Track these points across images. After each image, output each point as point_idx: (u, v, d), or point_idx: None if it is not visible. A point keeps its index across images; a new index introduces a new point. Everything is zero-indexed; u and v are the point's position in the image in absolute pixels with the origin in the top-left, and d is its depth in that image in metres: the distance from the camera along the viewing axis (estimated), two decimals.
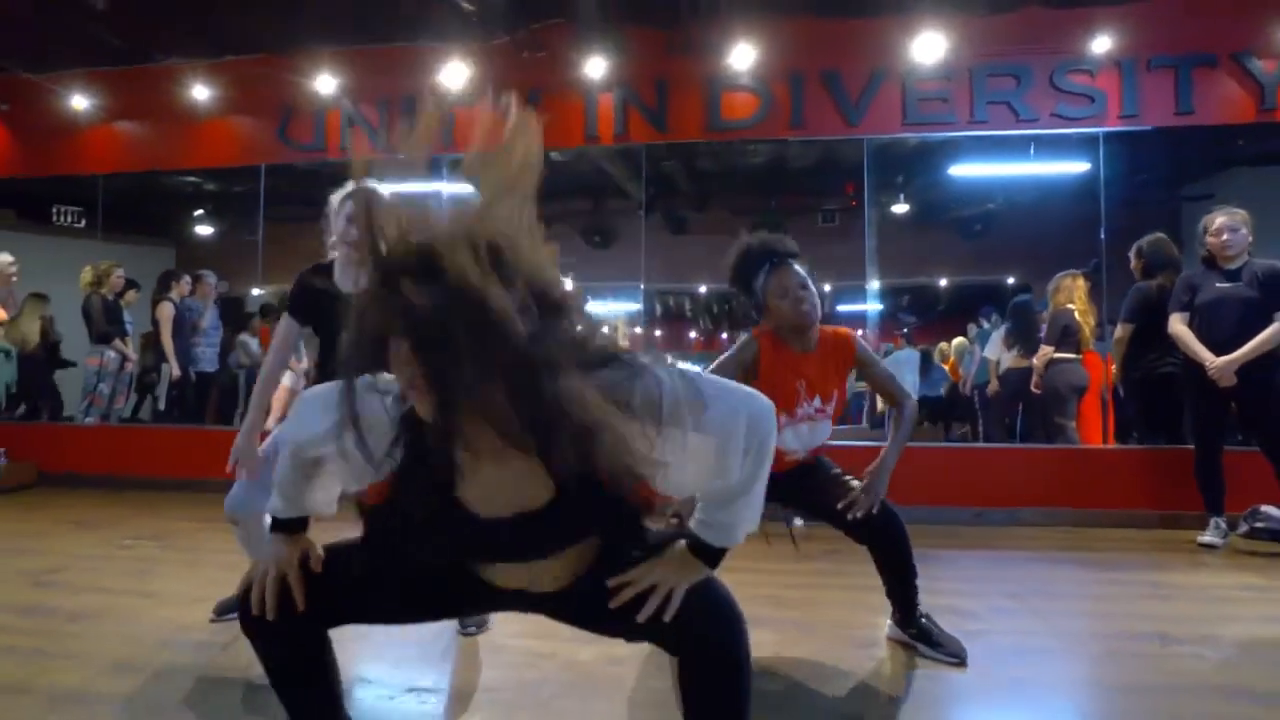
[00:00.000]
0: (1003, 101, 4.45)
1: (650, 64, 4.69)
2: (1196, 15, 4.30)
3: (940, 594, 2.83)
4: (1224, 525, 3.69)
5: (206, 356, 6.66)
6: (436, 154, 4.90)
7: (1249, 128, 4.47)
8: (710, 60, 4.63)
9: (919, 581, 2.20)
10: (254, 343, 7.34)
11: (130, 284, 6.28)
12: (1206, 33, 4.29)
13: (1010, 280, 8.27)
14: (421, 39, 4.94)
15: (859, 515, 2.03)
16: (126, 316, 6.17)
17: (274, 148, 5.21)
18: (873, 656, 2.24)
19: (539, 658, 2.17)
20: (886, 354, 9.89)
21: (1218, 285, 3.63)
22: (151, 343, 6.43)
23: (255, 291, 8.93)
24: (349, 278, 2.17)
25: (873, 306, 5.47)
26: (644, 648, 2.13)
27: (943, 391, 7.79)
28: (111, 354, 5.90)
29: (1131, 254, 4.33)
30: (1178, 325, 3.71)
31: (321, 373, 2.27)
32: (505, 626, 2.41)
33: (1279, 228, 3.88)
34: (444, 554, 1.16)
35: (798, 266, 2.16)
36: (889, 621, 2.31)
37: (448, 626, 2.37)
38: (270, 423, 5.98)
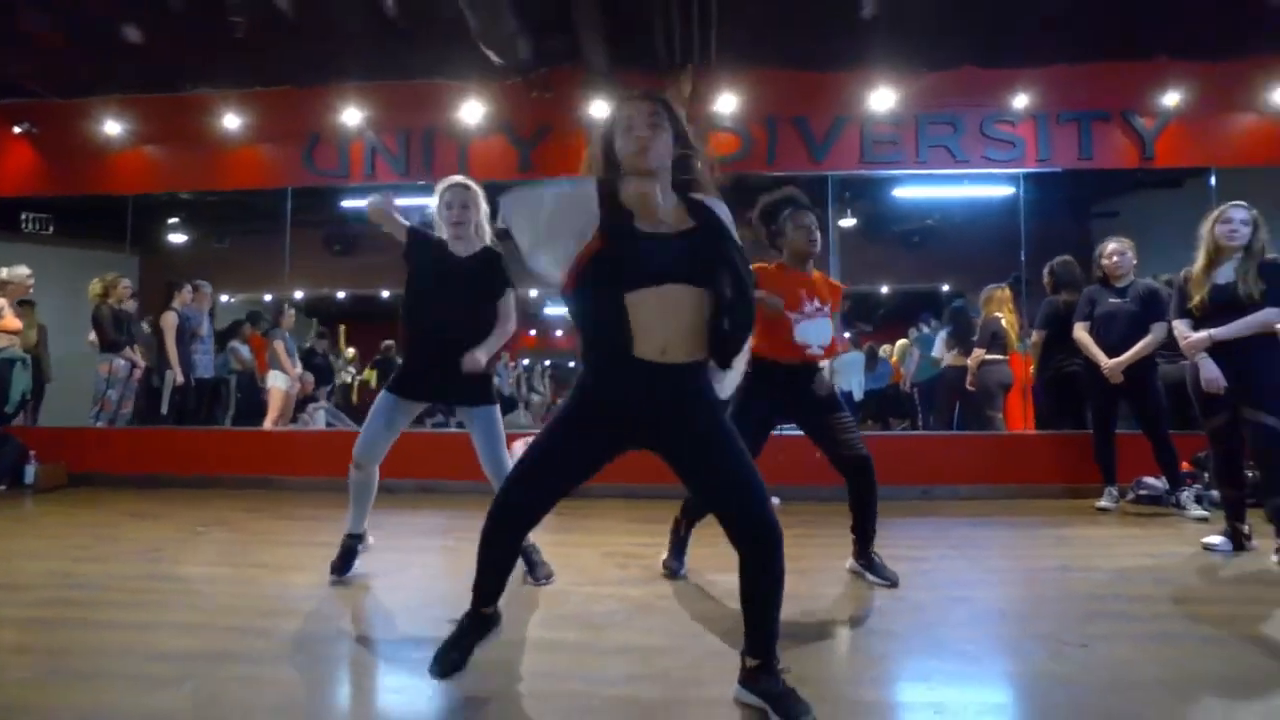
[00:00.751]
0: (942, 145, 5.31)
1: None
2: (1094, 79, 5.26)
3: (899, 549, 3.62)
4: (1116, 493, 4.60)
5: (204, 363, 7.01)
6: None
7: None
8: (697, 105, 5.36)
9: (878, 530, 3.01)
10: (245, 349, 7.64)
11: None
12: (1102, 94, 5.25)
13: (945, 288, 9.14)
14: (439, 76, 5.51)
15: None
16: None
17: (299, 172, 5.69)
18: (845, 583, 2.99)
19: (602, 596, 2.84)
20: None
21: (1110, 300, 4.51)
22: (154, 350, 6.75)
23: (223, 298, 9.25)
24: (453, 244, 2.88)
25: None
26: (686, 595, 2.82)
27: (885, 386, 8.66)
28: (120, 361, 6.18)
29: (1045, 272, 5.22)
30: (1080, 333, 4.60)
31: (408, 315, 2.88)
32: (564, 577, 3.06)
33: (1167, 235, 4.72)
34: (630, 271, 1.71)
35: (811, 214, 2.99)
36: (850, 559, 3.09)
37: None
38: (267, 424, 6.40)
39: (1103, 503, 4.58)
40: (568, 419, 1.85)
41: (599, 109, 5.33)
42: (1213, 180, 5.36)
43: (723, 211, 1.86)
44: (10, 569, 3.20)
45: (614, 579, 3.08)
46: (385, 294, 9.11)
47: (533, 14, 4.37)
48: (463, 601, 2.06)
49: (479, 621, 2.03)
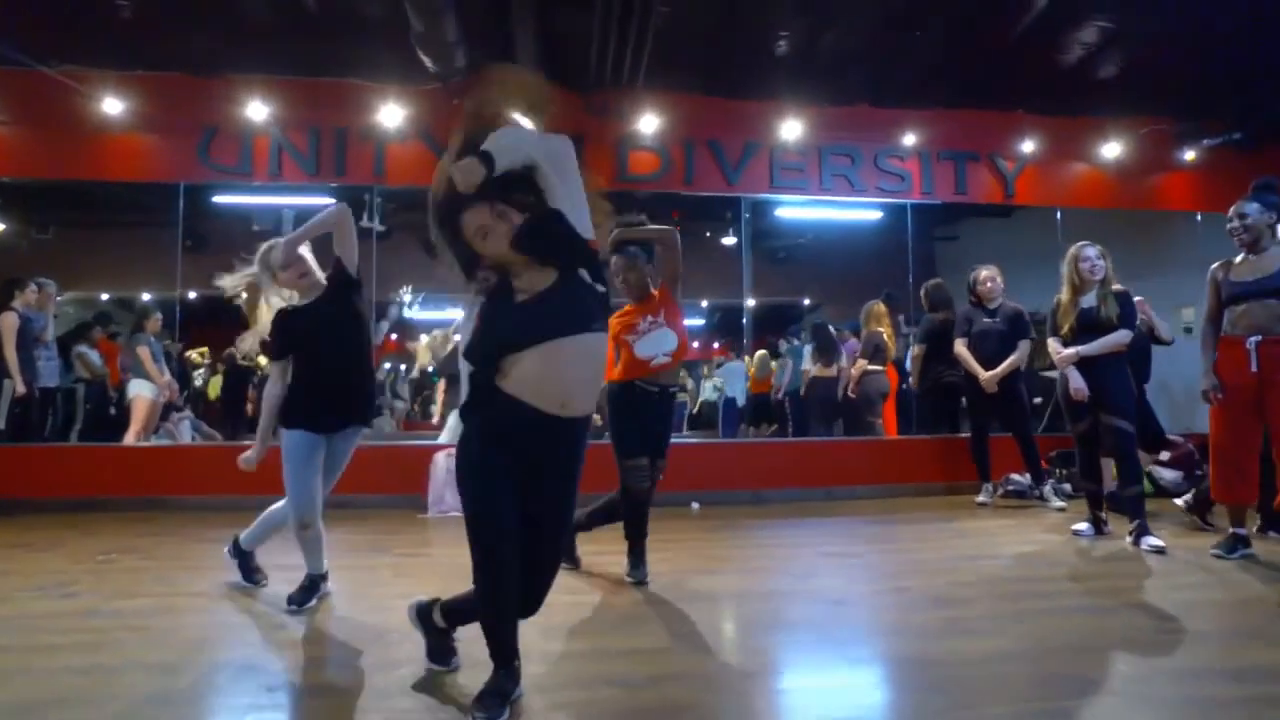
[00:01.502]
0: (842, 175, 5.84)
1: (570, 121, 5.44)
2: (968, 125, 6.00)
3: (829, 545, 3.99)
4: (991, 489, 5.26)
5: (48, 370, 6.27)
6: (368, 184, 5.33)
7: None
8: (620, 124, 5.53)
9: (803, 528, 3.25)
10: (94, 354, 6.93)
11: None
12: (973, 137, 5.99)
13: (806, 301, 9.79)
14: (354, 76, 5.29)
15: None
16: None
17: (194, 167, 5.23)
18: (797, 577, 3.26)
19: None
20: (719, 365, 11.25)
21: (984, 320, 5.16)
22: None
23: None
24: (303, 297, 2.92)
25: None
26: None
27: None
28: None
29: (921, 293, 5.85)
30: (961, 349, 5.21)
31: (312, 374, 2.86)
32: None
33: (993, 253, 5.43)
34: (523, 328, 1.81)
35: (622, 258, 3.17)
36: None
37: None
38: (129, 437, 5.84)
39: (980, 498, 5.22)
40: (489, 466, 1.92)
41: (521, 120, 5.35)
42: (1059, 216, 6.26)
43: None
44: None
45: (588, 588, 3.17)
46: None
47: (473, 23, 4.34)
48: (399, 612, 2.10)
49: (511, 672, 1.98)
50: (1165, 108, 6.08)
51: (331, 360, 2.86)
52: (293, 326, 2.86)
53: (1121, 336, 3.96)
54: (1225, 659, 2.31)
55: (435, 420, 13.06)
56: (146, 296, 7.38)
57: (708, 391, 11.02)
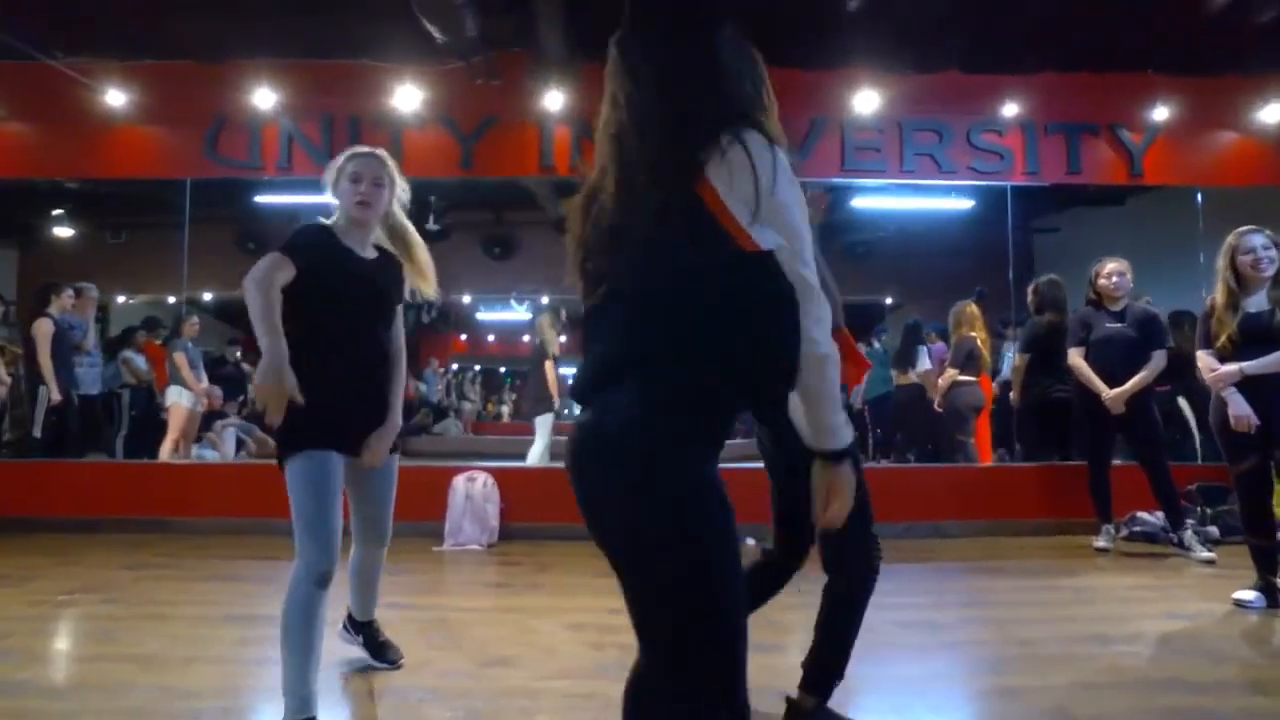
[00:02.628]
0: (927, 154, 4.95)
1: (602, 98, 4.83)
2: (1083, 90, 5.00)
3: (908, 605, 3.18)
4: (1113, 531, 4.31)
5: (90, 377, 6.14)
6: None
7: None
8: None
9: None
10: (140, 360, 6.83)
11: None
12: (1090, 105, 5.00)
13: (888, 300, 8.94)
14: (367, 57, 4.81)
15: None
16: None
17: (200, 162, 4.86)
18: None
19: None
20: None
21: (1107, 325, 4.22)
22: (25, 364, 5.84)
23: (120, 299, 8.27)
24: (353, 239, 2.16)
25: None
26: None
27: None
28: None
29: (1029, 291, 4.93)
30: (1076, 359, 4.29)
31: (302, 328, 1.98)
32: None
33: (1105, 249, 4.48)
34: None
35: None
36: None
37: None
38: (166, 445, 5.61)
39: (1100, 542, 4.28)
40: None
41: (553, 100, 4.74)
42: (1199, 199, 5.20)
43: None
44: None
45: (589, 665, 2.51)
46: None
47: None
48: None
49: None
50: None
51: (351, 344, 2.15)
52: (319, 237, 2.12)
53: None
54: None
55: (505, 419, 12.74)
56: (207, 296, 7.36)
57: None
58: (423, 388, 10.92)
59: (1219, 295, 3.24)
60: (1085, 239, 6.47)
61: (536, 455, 5.55)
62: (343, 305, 2.09)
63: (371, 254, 2.21)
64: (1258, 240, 3.16)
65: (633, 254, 1.08)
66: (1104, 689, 2.35)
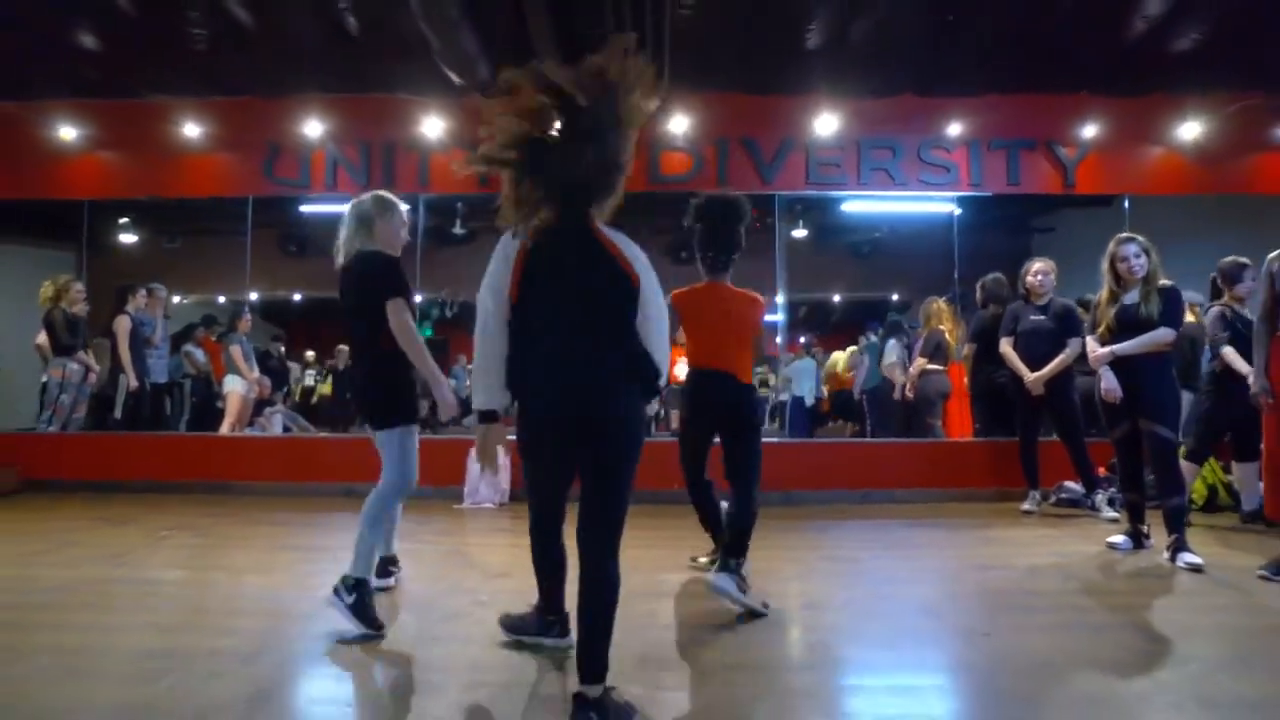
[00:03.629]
0: (882, 169, 5.64)
1: None
2: (1021, 110, 5.65)
3: (838, 549, 3.90)
4: (1038, 496, 4.95)
5: (158, 367, 6.96)
6: (414, 192, 5.63)
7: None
8: (651, 124, 5.58)
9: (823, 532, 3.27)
10: (199, 353, 7.60)
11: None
12: (1028, 124, 5.64)
13: (894, 297, 9.46)
14: (399, 91, 5.61)
15: None
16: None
17: (260, 182, 5.74)
18: (784, 580, 3.23)
19: None
20: (787, 364, 11.09)
21: (1031, 317, 4.85)
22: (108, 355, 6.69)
23: (175, 299, 9.15)
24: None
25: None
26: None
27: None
28: (74, 365, 6.10)
29: (977, 287, 5.56)
30: (1005, 348, 4.93)
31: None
32: None
33: (1088, 243, 5.03)
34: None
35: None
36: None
37: None
38: (224, 429, 6.43)
39: (1026, 505, 4.93)
40: (534, 436, 2.02)
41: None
42: (1126, 205, 5.80)
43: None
44: None
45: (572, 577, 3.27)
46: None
47: (490, 37, 4.53)
48: (415, 598, 2.22)
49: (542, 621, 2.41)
50: (1259, 81, 5.48)
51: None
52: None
53: (1162, 335, 3.65)
54: (1200, 685, 2.13)
55: None
56: (254, 296, 8.18)
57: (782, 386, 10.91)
58: (452, 383, 11.78)
59: (1103, 292, 3.88)
60: (1077, 238, 7.01)
61: None
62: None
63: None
64: (1130, 249, 3.77)
65: None
66: (963, 597, 3.05)
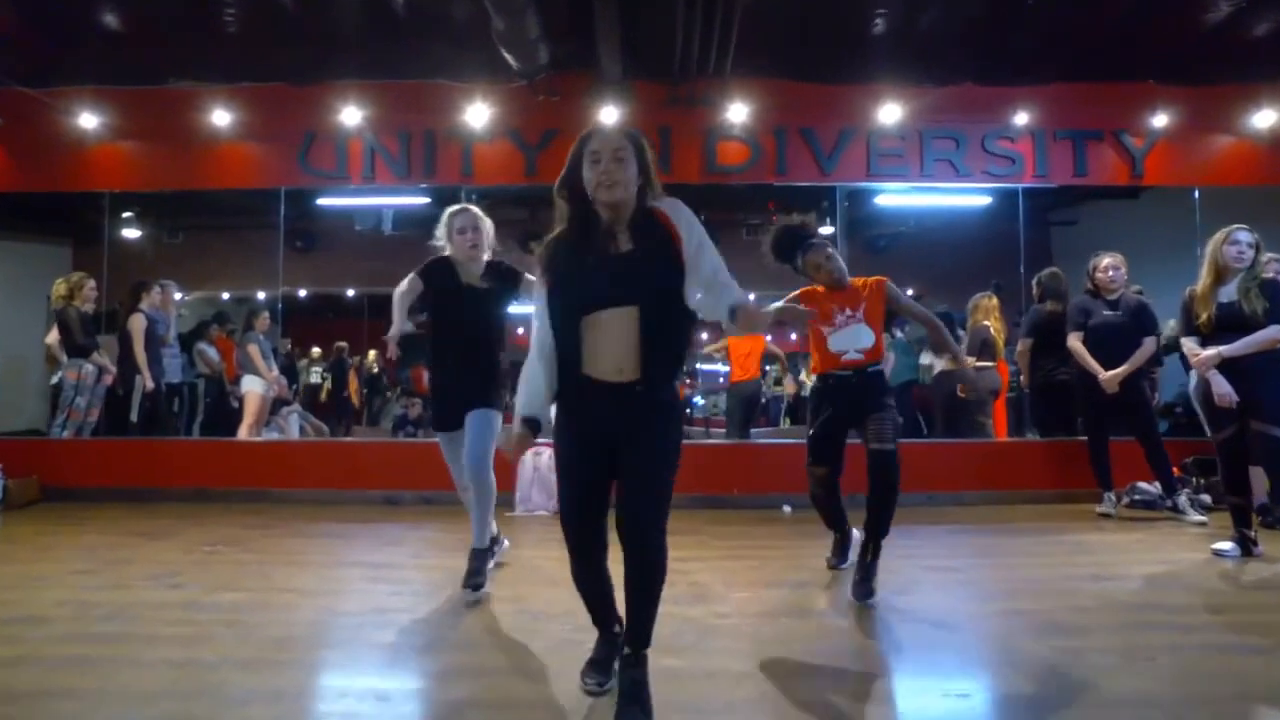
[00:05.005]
0: (945, 159, 5.45)
1: (655, 114, 5.37)
2: (1089, 99, 5.47)
3: (928, 558, 3.71)
4: (1114, 498, 4.79)
5: (172, 367, 6.68)
6: (457, 184, 5.43)
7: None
8: (708, 114, 5.37)
9: (893, 534, 3.07)
10: (212, 350, 7.33)
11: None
12: (1095, 113, 5.46)
13: (909, 292, 9.22)
14: (441, 77, 5.36)
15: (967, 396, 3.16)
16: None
17: (294, 172, 5.46)
18: (894, 594, 3.03)
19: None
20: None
21: (1104, 313, 4.69)
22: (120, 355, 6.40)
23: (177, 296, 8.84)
24: (464, 271, 3.15)
25: None
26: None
27: None
28: (89, 367, 5.84)
29: (1034, 282, 5.41)
30: (1075, 343, 4.76)
31: (434, 331, 3.20)
32: None
33: (1118, 240, 4.94)
34: (589, 288, 1.90)
35: (822, 248, 3.14)
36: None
37: None
38: (243, 430, 6.17)
39: (1102, 508, 4.76)
40: (568, 451, 1.99)
41: (608, 114, 5.28)
42: (1196, 196, 5.64)
43: (679, 215, 1.96)
44: (21, 599, 2.99)
45: (684, 597, 3.06)
46: (350, 292, 8.85)
47: (554, 19, 4.29)
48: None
49: (611, 639, 2.17)
50: None
51: (450, 340, 3.15)
52: (431, 273, 3.17)
53: (1274, 332, 3.49)
54: None
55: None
56: (262, 295, 7.91)
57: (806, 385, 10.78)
58: None
59: (1203, 281, 3.68)
60: (1100, 231, 6.85)
61: None
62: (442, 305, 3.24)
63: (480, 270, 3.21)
64: (1244, 236, 3.61)
65: None
66: (1092, 611, 2.87)
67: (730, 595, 3.11)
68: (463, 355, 3.12)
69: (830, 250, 3.14)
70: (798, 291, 3.20)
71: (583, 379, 1.90)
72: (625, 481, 1.90)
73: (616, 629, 2.13)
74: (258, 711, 1.99)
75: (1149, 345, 4.56)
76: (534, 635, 2.58)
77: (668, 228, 1.92)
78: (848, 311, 3.09)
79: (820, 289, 3.18)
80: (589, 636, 2.21)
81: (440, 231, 3.20)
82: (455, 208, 3.20)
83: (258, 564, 3.61)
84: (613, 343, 1.86)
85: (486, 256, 3.18)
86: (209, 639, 2.54)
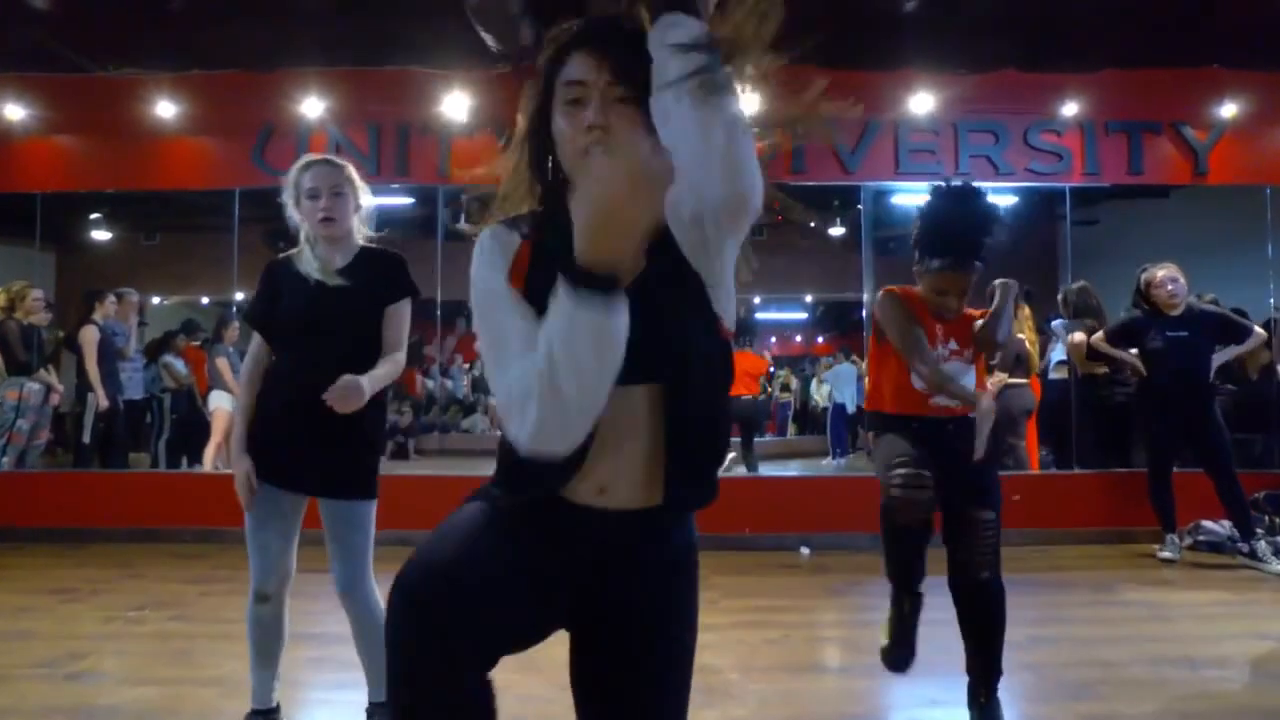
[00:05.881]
0: (983, 155, 4.87)
1: None
2: (1144, 87, 4.90)
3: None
4: (1178, 541, 4.22)
5: (134, 382, 6.21)
6: (434, 184, 4.86)
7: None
8: None
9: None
10: (179, 363, 6.86)
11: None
12: (1152, 103, 4.89)
13: None
14: (414, 63, 4.79)
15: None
16: None
17: (249, 170, 4.88)
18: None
19: None
20: (826, 367, 10.41)
21: (1168, 334, 4.13)
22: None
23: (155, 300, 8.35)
24: (318, 257, 2.01)
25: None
26: None
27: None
28: (33, 385, 5.32)
29: (1059, 299, 4.95)
30: (1099, 341, 4.36)
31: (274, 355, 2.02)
32: None
33: (1139, 239, 4.44)
34: None
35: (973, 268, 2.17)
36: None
37: None
38: (210, 450, 5.65)
39: (1165, 553, 4.19)
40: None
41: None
42: (1267, 193, 5.10)
43: None
44: None
45: None
46: None
47: None
48: None
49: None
50: None
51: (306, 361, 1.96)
52: (274, 279, 2.05)
53: None
54: None
55: None
56: (239, 296, 7.42)
57: (818, 394, 10.33)
58: (449, 384, 11.19)
59: None
60: (1127, 234, 6.32)
61: None
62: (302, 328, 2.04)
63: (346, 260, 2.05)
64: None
65: None
66: (1199, 717, 2.30)
67: (750, 688, 2.54)
68: (307, 394, 1.86)
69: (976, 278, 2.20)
70: (897, 289, 2.25)
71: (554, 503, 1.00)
72: (619, 691, 1.05)
73: None
74: None
75: (1260, 335, 4.14)
76: None
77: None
78: (953, 344, 2.21)
79: (922, 298, 2.24)
80: None
81: (286, 195, 2.06)
82: (309, 157, 2.07)
83: (185, 639, 3.03)
84: (619, 440, 0.98)
85: (359, 239, 2.08)
86: None
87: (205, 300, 8.53)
